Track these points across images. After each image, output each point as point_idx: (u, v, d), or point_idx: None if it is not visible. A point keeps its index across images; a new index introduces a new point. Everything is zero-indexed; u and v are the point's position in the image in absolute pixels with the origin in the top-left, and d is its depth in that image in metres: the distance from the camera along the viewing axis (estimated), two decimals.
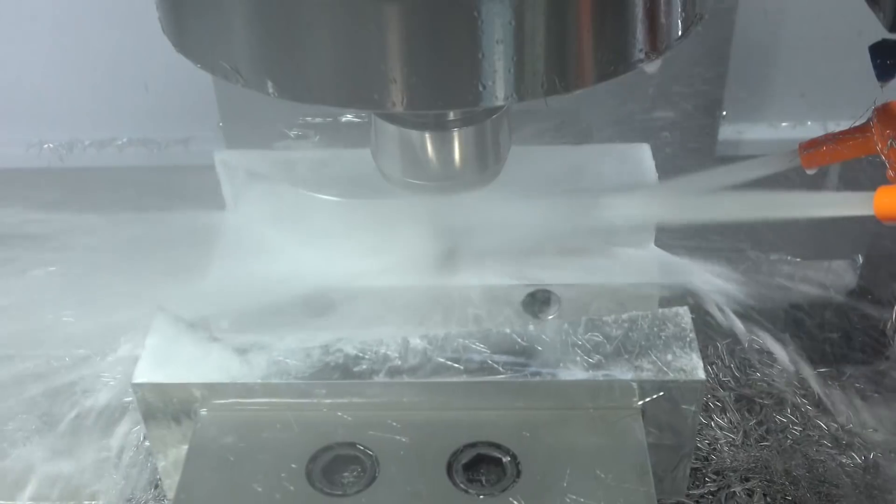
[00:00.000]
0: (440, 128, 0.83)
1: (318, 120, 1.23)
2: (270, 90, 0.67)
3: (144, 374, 0.87)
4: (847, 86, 0.93)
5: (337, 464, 0.85)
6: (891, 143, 0.82)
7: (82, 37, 1.32)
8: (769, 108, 1.40)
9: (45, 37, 1.32)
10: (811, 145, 0.91)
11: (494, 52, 0.63)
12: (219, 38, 0.68)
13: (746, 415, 1.05)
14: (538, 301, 0.96)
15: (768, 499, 0.96)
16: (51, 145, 1.43)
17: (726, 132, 1.38)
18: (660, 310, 0.92)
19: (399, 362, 0.87)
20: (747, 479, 0.98)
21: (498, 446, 0.85)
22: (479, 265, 0.96)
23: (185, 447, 0.88)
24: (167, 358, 0.88)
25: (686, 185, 0.99)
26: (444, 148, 0.84)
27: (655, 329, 0.89)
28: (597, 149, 1.09)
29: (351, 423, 0.87)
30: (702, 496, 0.96)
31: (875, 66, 0.82)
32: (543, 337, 0.89)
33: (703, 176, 1.01)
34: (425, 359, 0.88)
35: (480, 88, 0.64)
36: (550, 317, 0.96)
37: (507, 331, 0.90)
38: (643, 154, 1.05)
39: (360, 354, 0.88)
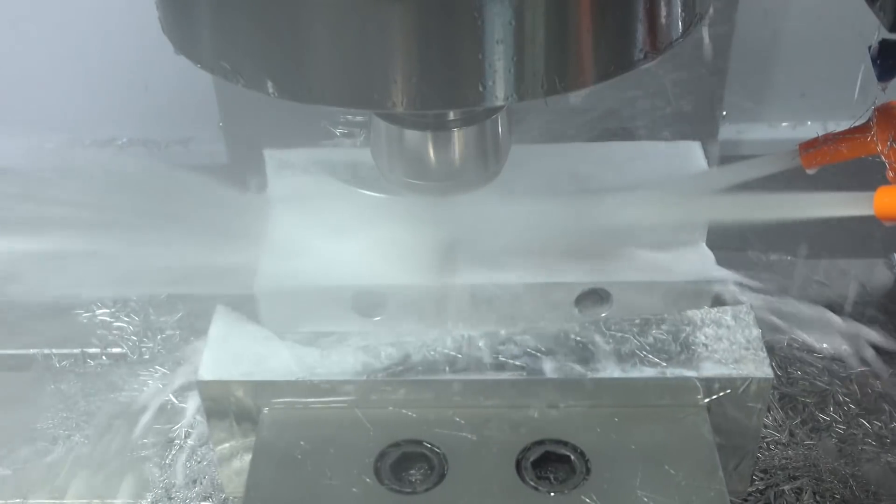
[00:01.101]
0: (440, 128, 0.83)
1: (360, 118, 1.23)
2: (270, 90, 0.67)
3: (210, 371, 0.87)
4: (847, 86, 0.93)
5: (404, 462, 0.85)
6: (891, 143, 0.82)
7: (82, 37, 1.32)
8: (769, 108, 1.40)
9: (45, 37, 1.33)
10: (811, 145, 0.91)
11: (494, 53, 0.63)
12: (219, 38, 0.68)
13: (790, 413, 1.04)
14: (591, 299, 0.96)
15: (818, 497, 0.96)
16: (51, 145, 1.43)
17: (726, 132, 1.38)
18: (723, 307, 0.91)
19: (463, 360, 0.87)
20: (795, 478, 0.97)
21: (565, 443, 0.85)
22: (529, 263, 0.95)
23: (246, 444, 0.88)
24: (232, 355, 0.88)
25: (686, 186, 0.99)
26: (444, 148, 0.84)
27: (720, 326, 0.89)
28: (647, 146, 1.08)
29: (416, 420, 0.86)
30: (749, 494, 0.96)
31: (875, 66, 0.82)
32: (607, 334, 0.89)
33: (702, 176, 1.01)
34: (489, 356, 0.88)
35: (481, 88, 0.64)
36: (603, 315, 0.95)
37: (568, 329, 0.90)
38: (694, 152, 1.04)
39: (423, 352, 0.88)
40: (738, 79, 1.32)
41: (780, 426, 1.02)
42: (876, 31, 0.77)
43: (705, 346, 0.87)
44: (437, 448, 0.84)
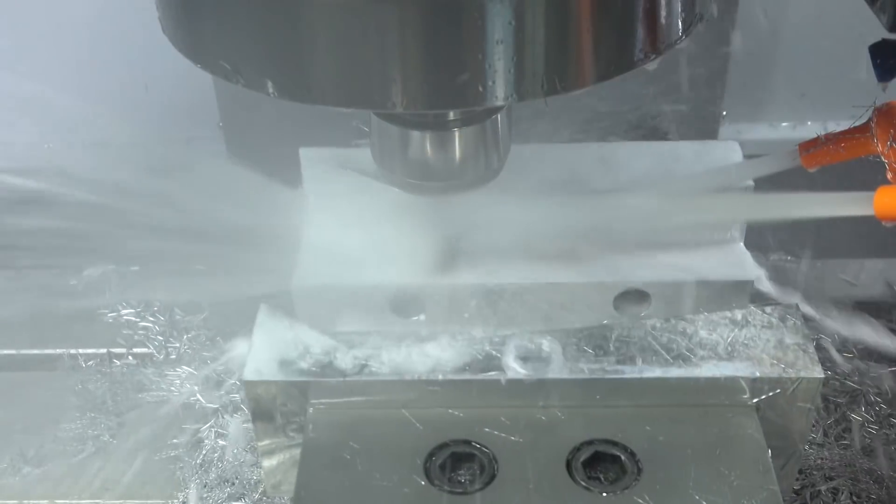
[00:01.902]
0: (440, 127, 0.83)
1: None
2: (270, 90, 0.67)
3: (255, 371, 0.86)
4: (847, 86, 0.93)
5: (454, 462, 0.85)
6: (891, 143, 0.82)
7: (82, 37, 1.32)
8: (769, 108, 1.40)
9: (45, 37, 1.32)
10: (811, 145, 0.91)
11: (494, 53, 0.63)
12: (219, 38, 0.68)
13: (823, 413, 1.04)
14: (630, 299, 0.95)
15: (854, 497, 0.95)
16: (51, 145, 1.43)
17: (726, 132, 1.38)
18: (770, 306, 0.91)
19: (508, 360, 0.87)
20: (831, 479, 0.97)
21: (615, 443, 0.84)
22: (568, 263, 0.95)
23: (290, 444, 0.89)
24: (277, 355, 0.88)
25: (686, 186, 0.99)
26: (443, 148, 0.84)
27: (768, 326, 0.89)
28: (686, 146, 1.07)
29: (464, 420, 0.86)
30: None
31: (875, 66, 0.82)
32: (653, 334, 0.89)
33: (702, 176, 1.01)
34: (534, 356, 0.88)
35: (480, 89, 0.64)
36: (643, 314, 0.95)
37: (615, 328, 0.90)
38: (733, 152, 1.03)
39: (469, 351, 0.88)
40: (738, 79, 1.32)
41: (814, 426, 1.02)
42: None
43: (754, 345, 0.87)
44: (487, 448, 0.84)
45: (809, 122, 1.39)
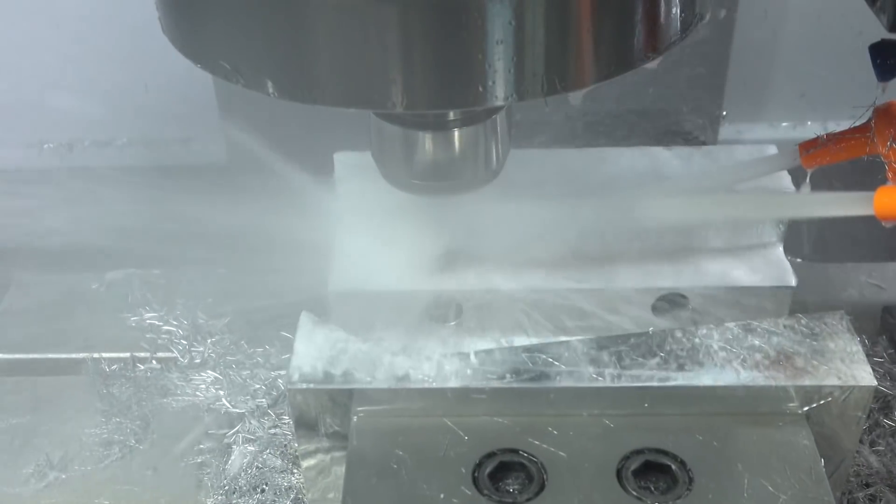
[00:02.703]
0: (440, 127, 0.83)
1: None
2: (270, 90, 0.67)
3: (299, 378, 0.85)
4: (847, 86, 0.93)
5: (501, 471, 0.83)
6: (891, 143, 0.82)
7: (82, 37, 1.32)
8: (769, 108, 1.40)
9: (45, 37, 1.32)
10: (811, 145, 0.91)
11: (494, 53, 0.63)
12: (219, 37, 0.68)
13: None
14: (669, 304, 0.95)
15: None
16: (51, 145, 1.43)
17: (726, 132, 1.38)
18: (817, 313, 0.90)
19: (557, 367, 0.86)
20: (868, 485, 0.96)
21: (665, 452, 0.83)
22: (605, 268, 0.94)
23: (333, 452, 0.88)
24: (320, 362, 0.86)
25: (685, 186, 0.99)
26: (443, 148, 0.84)
27: (817, 334, 0.88)
28: (723, 150, 1.06)
29: (510, 429, 0.85)
30: None
31: (875, 66, 0.82)
32: (700, 340, 0.87)
33: (702, 176, 1.01)
34: (581, 363, 0.86)
35: (480, 89, 0.64)
36: (682, 319, 0.94)
37: (661, 335, 0.88)
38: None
39: (513, 359, 0.86)
40: (738, 79, 1.32)
41: None
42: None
43: (804, 353, 0.86)
44: (534, 457, 0.82)
45: (809, 122, 1.39)
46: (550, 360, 0.86)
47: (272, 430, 1.02)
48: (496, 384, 0.84)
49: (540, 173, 1.00)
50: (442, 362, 0.86)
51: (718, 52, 1.28)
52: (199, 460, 1.00)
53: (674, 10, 0.68)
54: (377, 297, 0.93)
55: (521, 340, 0.91)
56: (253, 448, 1.00)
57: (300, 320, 0.90)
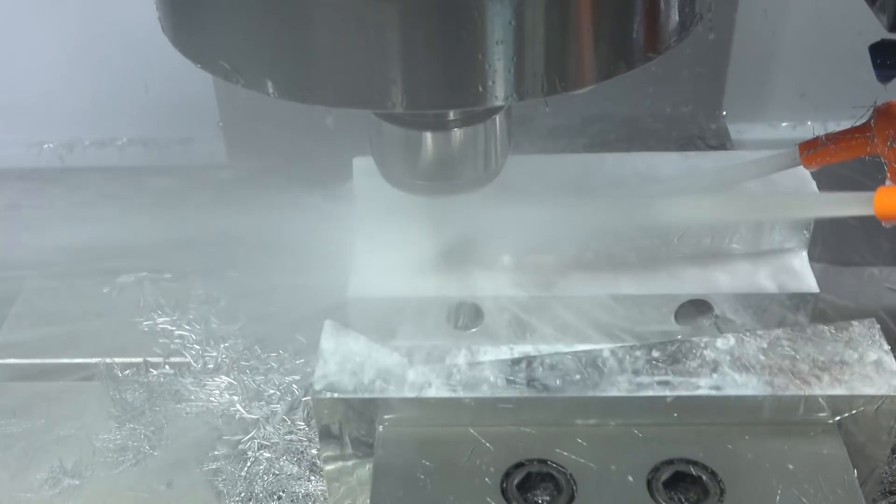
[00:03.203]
0: (439, 127, 0.83)
1: None
2: (270, 90, 0.67)
3: (324, 388, 0.84)
4: (847, 86, 0.93)
5: (529, 482, 0.81)
6: (891, 144, 0.82)
7: (82, 37, 1.32)
8: (769, 108, 1.40)
9: (45, 37, 1.33)
10: (811, 145, 0.91)
11: (494, 53, 0.63)
12: (219, 37, 0.68)
13: None
14: (692, 311, 0.94)
15: None
16: (51, 145, 1.43)
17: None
18: (848, 321, 0.88)
19: (585, 376, 0.84)
20: (893, 493, 0.95)
21: (695, 463, 0.81)
22: (627, 274, 0.93)
23: (357, 462, 0.87)
24: (345, 371, 0.85)
25: (685, 186, 0.99)
26: (443, 147, 0.84)
27: (847, 342, 0.86)
28: (747, 156, 1.04)
29: (538, 439, 0.83)
30: None
31: (875, 66, 0.82)
32: (727, 349, 0.86)
33: (702, 176, 1.01)
34: (606, 372, 0.84)
35: (480, 89, 0.64)
36: (702, 327, 0.93)
37: (687, 343, 0.86)
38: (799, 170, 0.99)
39: (540, 368, 0.85)
40: (738, 79, 1.32)
41: None
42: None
43: (833, 362, 0.84)
44: (563, 468, 0.81)
45: (809, 122, 1.39)
46: (577, 368, 0.84)
47: (288, 437, 1.00)
48: (523, 394, 0.83)
49: (549, 178, 1.00)
50: (468, 371, 0.85)
51: (718, 52, 1.28)
52: (213, 466, 0.99)
53: (673, 10, 0.68)
54: (397, 304, 0.92)
55: (543, 348, 0.90)
56: (269, 455, 0.99)
57: (324, 328, 0.88)
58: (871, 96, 0.84)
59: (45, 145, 1.43)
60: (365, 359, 0.86)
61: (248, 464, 0.98)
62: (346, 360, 0.86)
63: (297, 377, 1.06)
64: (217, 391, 1.06)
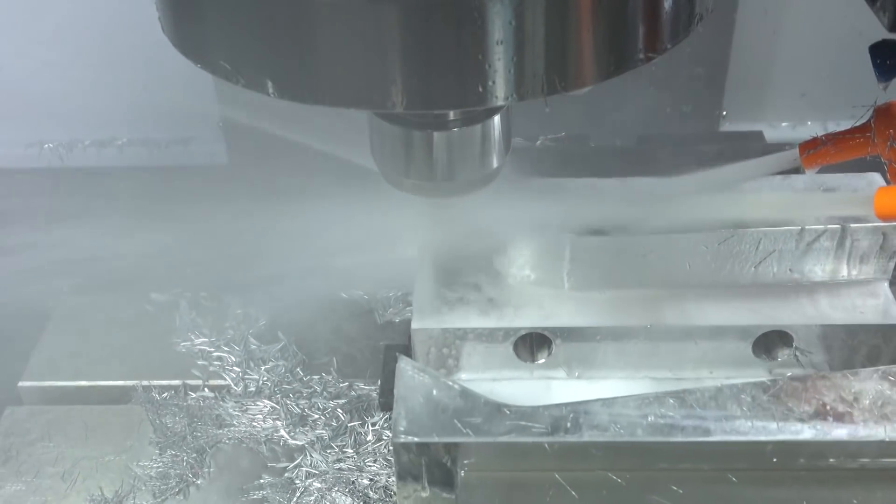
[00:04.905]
0: (439, 127, 0.83)
1: None
2: (270, 90, 0.67)
3: (406, 431, 0.80)
4: (847, 86, 0.93)
5: None
6: (891, 144, 0.82)
7: (82, 36, 1.32)
8: (769, 108, 1.40)
9: (45, 37, 1.32)
10: (811, 145, 0.91)
11: (495, 53, 0.63)
12: (219, 38, 0.68)
13: None
14: (770, 343, 0.92)
15: None
16: (51, 145, 1.43)
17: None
18: None
19: (674, 418, 0.79)
20: None
21: None
22: (700, 304, 0.91)
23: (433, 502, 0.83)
24: (426, 413, 0.81)
25: (685, 186, 0.99)
26: (442, 148, 0.84)
27: None
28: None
29: (624, 487, 0.79)
30: None
31: (875, 66, 0.82)
32: (825, 389, 0.81)
33: (703, 177, 1.01)
34: (697, 414, 0.79)
35: (480, 89, 0.64)
36: (780, 359, 0.91)
37: (784, 383, 0.82)
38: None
39: (626, 409, 0.80)
40: (738, 79, 1.32)
41: None
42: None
43: None
44: None
45: (809, 122, 1.39)
46: (665, 410, 0.80)
47: (337, 465, 0.97)
48: (620, 438, 0.78)
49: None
50: (554, 415, 0.80)
51: (718, 52, 1.28)
52: (259, 495, 0.95)
53: (674, 10, 0.68)
54: (462, 335, 0.90)
55: (615, 385, 0.87)
56: (319, 484, 0.96)
57: (398, 367, 0.85)
58: (871, 96, 0.84)
59: (45, 145, 1.43)
60: (444, 398, 0.82)
61: (298, 494, 0.95)
62: (425, 399, 0.82)
63: (341, 401, 1.03)
64: (260, 416, 1.03)
